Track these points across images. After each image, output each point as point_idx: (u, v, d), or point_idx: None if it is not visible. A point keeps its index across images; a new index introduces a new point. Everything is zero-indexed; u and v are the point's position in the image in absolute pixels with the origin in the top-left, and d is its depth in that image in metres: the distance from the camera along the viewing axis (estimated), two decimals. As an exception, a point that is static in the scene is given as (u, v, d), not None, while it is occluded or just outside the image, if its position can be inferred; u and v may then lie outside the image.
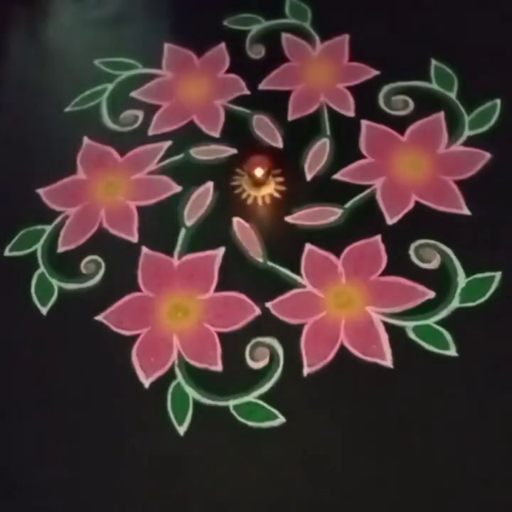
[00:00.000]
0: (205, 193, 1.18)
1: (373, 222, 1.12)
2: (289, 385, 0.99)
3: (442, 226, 1.11)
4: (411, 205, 1.13)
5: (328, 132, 1.23)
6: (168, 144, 1.25)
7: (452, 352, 0.99)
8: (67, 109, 1.32)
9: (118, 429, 0.99)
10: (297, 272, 1.08)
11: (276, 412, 0.97)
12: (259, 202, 1.17)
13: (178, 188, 1.20)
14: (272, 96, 1.28)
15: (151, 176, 1.22)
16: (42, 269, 1.13)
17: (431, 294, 1.04)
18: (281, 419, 0.97)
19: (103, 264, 1.13)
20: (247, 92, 1.30)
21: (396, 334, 1.01)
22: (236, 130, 1.25)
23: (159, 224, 1.17)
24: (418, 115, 1.22)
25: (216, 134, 1.25)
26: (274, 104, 1.27)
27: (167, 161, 1.23)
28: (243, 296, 1.07)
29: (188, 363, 1.03)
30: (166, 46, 1.38)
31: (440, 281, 1.05)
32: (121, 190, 1.21)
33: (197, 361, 1.03)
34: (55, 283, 1.12)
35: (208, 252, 1.12)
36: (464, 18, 1.34)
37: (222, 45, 1.37)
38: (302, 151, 1.21)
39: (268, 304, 1.06)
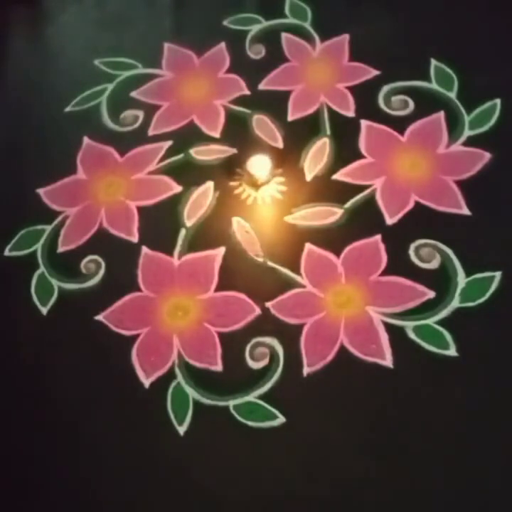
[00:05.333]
0: (205, 193, 1.18)
1: (373, 222, 1.12)
2: (289, 385, 0.99)
3: (442, 226, 1.11)
4: (411, 205, 1.13)
5: (328, 132, 1.23)
6: (168, 144, 1.25)
7: (452, 352, 0.99)
8: (67, 109, 1.32)
9: (118, 429, 0.99)
10: (297, 271, 1.08)
11: (276, 412, 0.97)
12: (259, 202, 1.17)
13: (178, 188, 1.20)
14: (272, 96, 1.28)
15: (151, 176, 1.22)
16: (42, 269, 1.13)
17: (431, 294, 1.04)
18: (281, 419, 0.97)
19: (103, 264, 1.13)
20: (247, 92, 1.30)
21: (396, 334, 1.01)
22: (236, 130, 1.25)
23: (159, 224, 1.17)
24: (418, 115, 1.22)
25: (216, 134, 1.25)
26: (274, 104, 1.27)
27: (167, 161, 1.23)
28: (243, 296, 1.07)
29: (188, 363, 1.03)
30: (166, 46, 1.38)
31: (440, 281, 1.05)
32: (121, 190, 1.21)
33: (197, 361, 1.03)
34: (55, 283, 1.12)
35: (208, 252, 1.12)
36: (464, 18, 1.34)
37: (222, 45, 1.37)
38: (302, 151, 1.21)
39: (268, 304, 1.06)
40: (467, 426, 0.95)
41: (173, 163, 1.23)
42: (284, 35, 1.37)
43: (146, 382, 1.01)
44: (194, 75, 1.34)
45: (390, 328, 1.02)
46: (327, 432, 0.96)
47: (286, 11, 1.40)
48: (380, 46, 1.32)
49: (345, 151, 1.20)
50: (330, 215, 1.14)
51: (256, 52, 1.36)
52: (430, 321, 1.02)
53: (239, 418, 0.97)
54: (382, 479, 0.92)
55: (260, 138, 1.24)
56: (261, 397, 0.99)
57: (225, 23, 1.40)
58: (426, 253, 1.08)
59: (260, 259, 1.11)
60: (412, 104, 1.24)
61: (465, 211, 1.12)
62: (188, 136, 1.25)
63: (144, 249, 1.14)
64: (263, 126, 1.25)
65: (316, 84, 1.29)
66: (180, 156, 1.23)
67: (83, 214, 1.19)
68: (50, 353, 1.06)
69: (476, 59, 1.28)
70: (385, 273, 1.07)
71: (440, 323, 1.02)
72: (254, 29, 1.38)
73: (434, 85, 1.26)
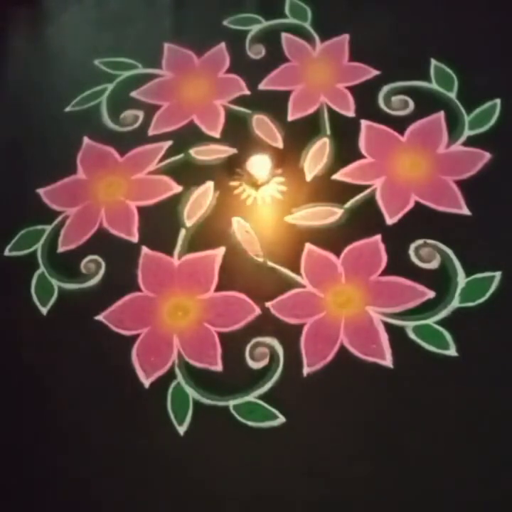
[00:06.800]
0: (205, 193, 1.18)
1: (373, 222, 1.12)
2: (289, 385, 0.99)
3: (442, 226, 1.11)
4: (411, 205, 1.13)
5: (328, 132, 1.23)
6: (168, 144, 1.25)
7: (452, 352, 0.99)
8: (67, 109, 1.32)
9: (118, 429, 0.99)
10: (297, 271, 1.08)
11: (276, 412, 0.97)
12: (259, 202, 1.17)
13: (178, 188, 1.20)
14: (272, 96, 1.28)
15: (151, 176, 1.22)
16: (42, 269, 1.13)
17: (431, 294, 1.04)
18: (281, 419, 0.97)
19: (103, 264, 1.13)
20: (247, 92, 1.30)
21: (396, 334, 1.01)
22: (236, 130, 1.25)
23: (159, 224, 1.17)
24: (418, 115, 1.23)
25: (216, 134, 1.25)
26: (274, 104, 1.27)
27: (167, 161, 1.23)
28: (243, 296, 1.07)
29: (188, 363, 1.03)
30: (166, 46, 1.38)
31: (440, 281, 1.05)
32: (121, 190, 1.21)
33: (197, 361, 1.03)
34: (55, 283, 1.12)
35: (208, 252, 1.12)
36: (464, 18, 1.34)
37: (222, 45, 1.37)
38: (302, 151, 1.21)
39: (268, 304, 1.06)
40: (467, 426, 0.95)
41: (173, 163, 1.23)
42: (284, 35, 1.37)
43: (146, 382, 1.01)
44: (194, 75, 1.34)
45: (390, 328, 1.02)
46: (327, 432, 0.96)
47: (286, 11, 1.40)
48: (380, 46, 1.32)
49: (345, 151, 1.20)
50: (330, 215, 1.14)
51: (256, 52, 1.36)
52: (430, 321, 1.02)
53: (239, 418, 0.97)
54: (382, 479, 0.92)
55: (260, 138, 1.24)
56: (261, 397, 0.99)
57: (225, 23, 1.40)
58: (426, 253, 1.08)
59: (260, 259, 1.11)
60: (412, 104, 1.24)
61: (465, 211, 1.12)
62: (188, 136, 1.26)
63: (144, 249, 1.14)
64: (263, 126, 1.25)
65: (316, 84, 1.29)
66: (180, 156, 1.23)
67: (83, 214, 1.19)
68: (50, 353, 1.06)
69: (476, 59, 1.28)
70: (385, 273, 1.07)
71: (440, 323, 1.02)
72: (254, 29, 1.38)
73: (434, 85, 1.26)
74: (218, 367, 1.02)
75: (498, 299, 1.03)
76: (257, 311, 1.06)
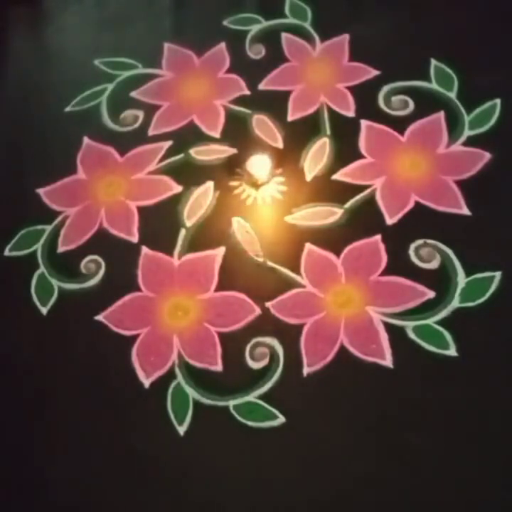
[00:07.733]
0: (205, 193, 1.18)
1: (373, 222, 1.12)
2: (289, 385, 0.99)
3: (442, 226, 1.11)
4: (411, 205, 1.13)
5: (328, 132, 1.23)
6: (168, 144, 1.25)
7: (452, 352, 0.99)
8: (67, 109, 1.32)
9: (118, 429, 0.99)
10: (297, 271, 1.08)
11: (276, 412, 0.97)
12: (259, 202, 1.17)
13: (178, 188, 1.20)
14: (272, 96, 1.28)
15: (151, 176, 1.22)
16: (42, 269, 1.13)
17: (431, 294, 1.04)
18: (281, 419, 0.97)
19: (103, 264, 1.13)
20: (247, 92, 1.30)
21: (396, 334, 1.01)
22: (236, 130, 1.25)
23: (159, 224, 1.17)
24: (418, 115, 1.23)
25: (216, 134, 1.25)
26: (274, 104, 1.27)
27: (167, 161, 1.23)
28: (243, 296, 1.07)
29: (188, 363, 1.03)
30: (166, 46, 1.39)
31: (440, 281, 1.05)
32: (121, 190, 1.21)
33: (197, 361, 1.03)
34: (55, 283, 1.12)
35: (208, 252, 1.12)
36: (464, 18, 1.34)
37: (222, 45, 1.37)
38: (302, 151, 1.21)
39: (268, 304, 1.06)
40: (467, 426, 0.95)
41: (173, 163, 1.23)
42: (284, 35, 1.37)
43: (146, 382, 1.01)
44: (194, 75, 1.34)
45: (390, 328, 1.02)
46: (327, 432, 0.96)
47: (286, 11, 1.40)
48: (380, 46, 1.32)
49: (345, 151, 1.20)
50: (330, 215, 1.14)
51: (256, 52, 1.36)
52: (430, 321, 1.02)
53: (239, 418, 0.97)
54: (382, 479, 0.92)
55: (260, 138, 1.24)
56: (261, 397, 0.99)
57: (225, 23, 1.40)
58: (426, 253, 1.08)
59: (260, 259, 1.11)
60: (412, 104, 1.24)
61: (465, 211, 1.12)
62: (188, 136, 1.26)
63: (144, 249, 1.14)
64: (263, 126, 1.25)
65: (316, 84, 1.29)
66: (180, 156, 1.23)
67: (83, 214, 1.19)
68: (50, 353, 1.06)
69: (476, 59, 1.28)
70: (385, 273, 1.07)
71: (440, 323, 1.02)
72: (254, 29, 1.38)
73: (434, 85, 1.26)
74: (218, 367, 1.02)
75: (498, 299, 1.03)
76: (257, 311, 1.06)
